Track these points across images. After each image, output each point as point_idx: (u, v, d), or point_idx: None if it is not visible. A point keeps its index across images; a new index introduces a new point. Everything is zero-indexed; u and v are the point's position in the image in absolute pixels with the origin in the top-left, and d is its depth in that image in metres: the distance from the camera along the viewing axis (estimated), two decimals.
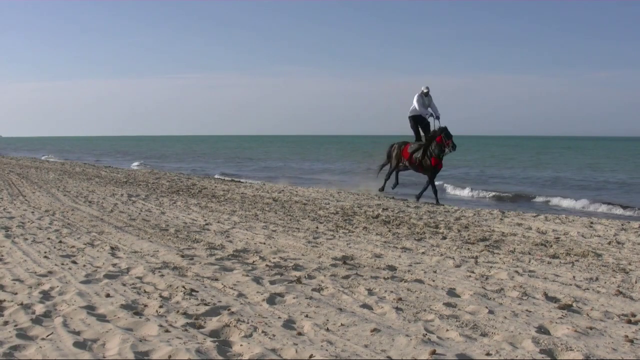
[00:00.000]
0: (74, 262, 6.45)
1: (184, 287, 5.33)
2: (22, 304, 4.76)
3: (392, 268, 6.39)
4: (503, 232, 9.41)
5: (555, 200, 18.34)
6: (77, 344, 3.83)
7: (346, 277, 5.86)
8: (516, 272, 6.23)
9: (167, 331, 4.11)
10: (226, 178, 24.87)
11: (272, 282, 5.56)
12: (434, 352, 3.74)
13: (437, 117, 14.64)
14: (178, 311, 4.61)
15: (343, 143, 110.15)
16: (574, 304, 4.98)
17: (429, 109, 14.65)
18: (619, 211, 16.05)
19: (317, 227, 9.43)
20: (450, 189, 21.68)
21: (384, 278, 5.86)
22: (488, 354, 3.76)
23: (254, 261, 6.61)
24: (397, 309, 4.73)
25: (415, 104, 14.54)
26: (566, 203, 17.84)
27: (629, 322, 4.50)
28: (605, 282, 5.87)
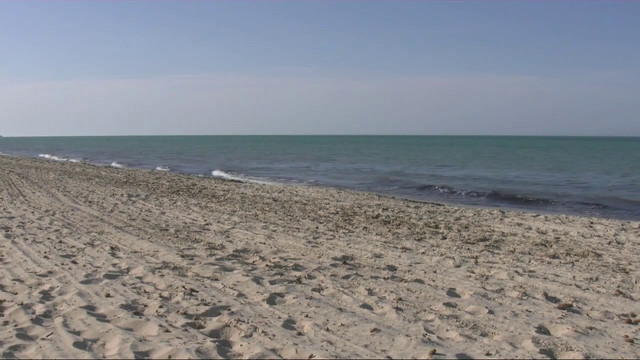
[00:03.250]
0: (74, 262, 6.45)
1: (184, 287, 5.33)
2: (22, 304, 4.76)
3: (392, 268, 6.39)
4: (503, 232, 9.41)
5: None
6: (77, 344, 3.83)
7: (346, 277, 5.86)
8: (516, 272, 6.23)
9: (167, 331, 4.11)
10: (225, 178, 24.88)
11: (272, 282, 5.56)
12: (434, 352, 3.74)
13: None
14: (178, 311, 4.61)
15: (318, 143, 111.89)
16: (574, 304, 4.98)
17: None
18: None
19: (317, 227, 9.43)
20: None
21: (384, 278, 5.85)
22: (488, 354, 3.76)
23: (254, 261, 6.61)
24: (397, 309, 4.72)
25: None
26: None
27: (629, 322, 4.50)
28: (605, 282, 5.87)
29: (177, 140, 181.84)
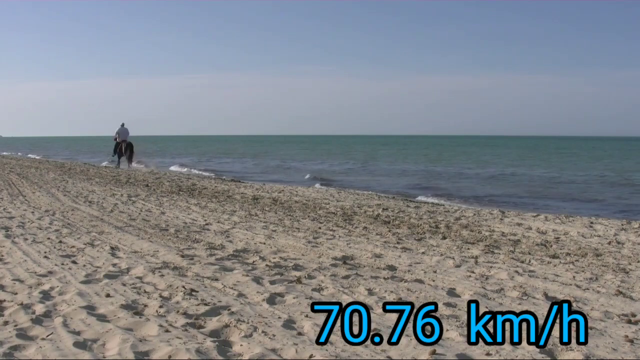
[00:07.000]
0: (74, 262, 6.45)
1: (184, 287, 5.33)
2: (22, 304, 4.76)
3: (392, 268, 6.39)
4: (503, 232, 9.41)
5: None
6: (77, 344, 3.83)
7: (346, 277, 5.86)
8: (516, 272, 6.23)
9: (167, 331, 4.11)
10: (226, 178, 24.89)
11: (272, 282, 5.56)
12: (434, 352, 3.74)
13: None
14: (178, 311, 4.61)
15: (308, 142, 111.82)
16: (574, 304, 4.98)
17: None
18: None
19: (317, 227, 9.43)
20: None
21: (384, 278, 5.86)
22: (488, 354, 3.76)
23: (254, 261, 6.61)
24: None
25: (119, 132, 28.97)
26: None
27: (629, 322, 4.50)
28: (605, 282, 5.87)
29: (222, 140, 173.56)
